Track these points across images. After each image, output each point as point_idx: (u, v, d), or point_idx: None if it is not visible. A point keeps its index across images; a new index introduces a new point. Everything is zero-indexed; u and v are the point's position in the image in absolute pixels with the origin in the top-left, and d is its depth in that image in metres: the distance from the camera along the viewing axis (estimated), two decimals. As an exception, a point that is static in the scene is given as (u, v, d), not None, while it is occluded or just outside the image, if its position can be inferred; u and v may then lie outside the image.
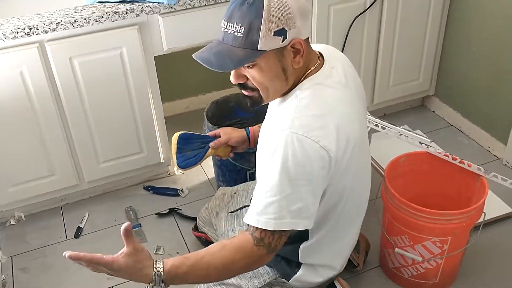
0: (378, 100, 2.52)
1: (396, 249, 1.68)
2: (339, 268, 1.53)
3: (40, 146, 1.97)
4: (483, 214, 1.63)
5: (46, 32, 1.75)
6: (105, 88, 1.95)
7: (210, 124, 2.01)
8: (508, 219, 2.02)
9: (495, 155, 2.36)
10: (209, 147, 1.60)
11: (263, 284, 1.49)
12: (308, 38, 1.22)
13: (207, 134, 1.66)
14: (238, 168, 2.00)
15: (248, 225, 1.25)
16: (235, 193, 1.82)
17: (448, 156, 1.74)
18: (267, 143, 1.23)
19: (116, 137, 2.08)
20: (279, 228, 1.21)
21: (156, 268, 1.16)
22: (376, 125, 1.90)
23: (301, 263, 1.47)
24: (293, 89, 1.26)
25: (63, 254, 1.13)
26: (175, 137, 1.61)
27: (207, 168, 2.38)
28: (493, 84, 2.31)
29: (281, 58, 1.18)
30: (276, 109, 1.32)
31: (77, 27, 1.78)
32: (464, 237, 1.65)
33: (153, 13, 1.87)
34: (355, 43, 2.31)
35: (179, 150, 1.59)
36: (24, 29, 1.71)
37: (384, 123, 1.89)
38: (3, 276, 1.87)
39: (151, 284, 1.15)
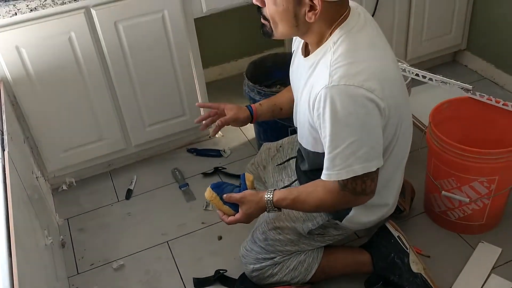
0: (411, 56, 2.54)
1: (443, 192, 1.73)
2: (391, 204, 1.54)
3: (89, 112, 2.04)
4: (529, 153, 1.66)
5: (92, -4, 1.80)
6: (148, 52, 2.00)
7: (250, 83, 2.06)
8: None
9: (531, 104, 2.38)
10: (244, 175, 1.52)
11: (317, 226, 1.54)
12: (339, 1, 1.22)
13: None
14: (279, 125, 2.05)
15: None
16: (280, 146, 1.87)
17: (491, 100, 1.76)
18: (313, 104, 1.25)
19: (160, 100, 2.13)
20: (351, 175, 1.27)
21: (267, 196, 1.43)
22: (416, 74, 1.92)
23: None
24: (322, 41, 1.27)
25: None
26: (208, 193, 1.48)
27: (246, 129, 2.43)
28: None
29: (296, 4, 1.20)
30: (308, 63, 1.32)
31: (121, -9, 1.83)
32: (510, 176, 1.69)
33: (193, -27, 1.92)
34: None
35: (221, 199, 1.47)
36: (71, -6, 1.77)
37: (424, 72, 1.91)
38: (61, 236, 1.96)
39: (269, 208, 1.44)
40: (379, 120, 1.26)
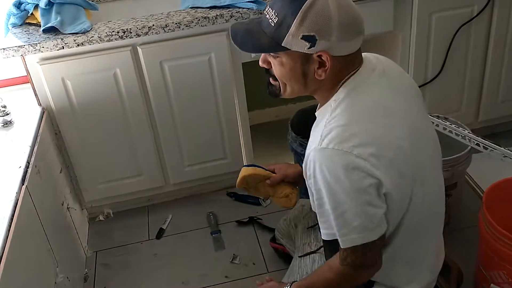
0: (483, 117, 2.30)
1: (492, 285, 1.50)
2: None
3: (129, 146, 2.03)
4: None
5: (138, 35, 1.79)
6: (192, 93, 1.97)
7: (293, 134, 1.96)
8: None
9: None
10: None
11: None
12: (349, 55, 1.14)
13: (267, 169, 1.59)
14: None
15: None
16: (314, 206, 1.74)
17: (560, 184, 1.52)
18: (304, 164, 1.20)
19: (201, 141, 2.09)
20: (350, 245, 1.18)
21: None
22: (477, 144, 1.71)
23: (374, 281, 1.35)
24: (328, 98, 1.20)
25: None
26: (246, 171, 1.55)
27: (292, 179, 2.31)
28: None
29: (304, 62, 1.15)
30: (316, 120, 1.27)
31: (168, 32, 1.81)
32: None
33: (242, 19, 1.86)
34: (459, 55, 2.13)
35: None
36: (118, 32, 1.77)
37: (486, 142, 1.70)
38: (86, 270, 1.95)
39: None
40: (372, 187, 1.13)
